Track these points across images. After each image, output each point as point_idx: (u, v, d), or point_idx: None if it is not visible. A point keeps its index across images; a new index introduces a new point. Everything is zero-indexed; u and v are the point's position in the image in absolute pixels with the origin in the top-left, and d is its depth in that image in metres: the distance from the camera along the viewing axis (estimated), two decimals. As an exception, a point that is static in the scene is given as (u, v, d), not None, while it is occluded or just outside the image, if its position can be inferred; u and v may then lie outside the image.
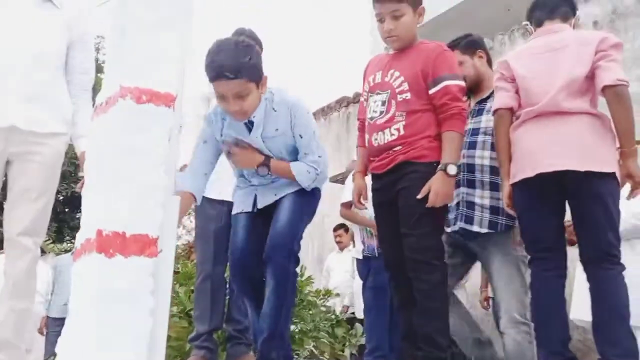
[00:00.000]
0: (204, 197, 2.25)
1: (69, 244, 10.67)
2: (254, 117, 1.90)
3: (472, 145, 2.10)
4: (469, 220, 2.06)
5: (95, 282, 1.16)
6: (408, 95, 1.82)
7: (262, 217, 2.05)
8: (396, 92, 1.84)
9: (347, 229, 5.04)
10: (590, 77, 1.84)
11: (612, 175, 1.79)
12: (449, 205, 1.96)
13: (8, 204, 2.03)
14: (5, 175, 2.06)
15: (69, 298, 1.25)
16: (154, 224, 1.22)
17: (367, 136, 1.95)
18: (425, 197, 1.74)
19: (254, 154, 1.98)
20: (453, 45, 2.20)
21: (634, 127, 1.80)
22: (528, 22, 2.11)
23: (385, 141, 1.84)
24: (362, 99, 2.05)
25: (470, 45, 2.21)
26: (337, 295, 4.32)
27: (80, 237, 1.27)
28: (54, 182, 2.13)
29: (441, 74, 1.79)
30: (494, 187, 2.03)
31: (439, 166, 1.75)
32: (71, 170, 9.46)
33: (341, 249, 5.15)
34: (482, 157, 2.07)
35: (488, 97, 2.14)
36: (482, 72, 2.19)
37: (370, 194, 2.05)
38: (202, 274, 2.43)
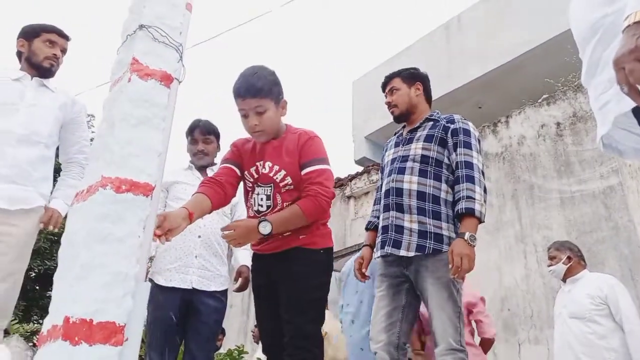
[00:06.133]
0: (155, 284, 2.35)
1: (35, 325, 10.13)
2: None
3: (401, 171, 2.16)
4: (397, 244, 2.07)
5: (58, 370, 1.16)
6: (292, 187, 1.86)
7: None
8: (280, 186, 1.87)
9: None
10: None
11: None
12: (380, 227, 2.18)
13: None
14: None
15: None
16: (122, 312, 1.25)
17: None
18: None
19: None
20: (396, 74, 2.35)
21: None
22: None
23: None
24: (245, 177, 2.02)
25: (410, 76, 2.35)
26: None
27: (47, 323, 1.28)
28: (24, 262, 2.12)
29: (310, 159, 1.85)
30: (421, 212, 2.06)
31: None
32: (46, 247, 9.27)
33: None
34: (410, 182, 2.12)
35: (418, 127, 2.26)
36: (415, 103, 2.31)
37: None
38: None
